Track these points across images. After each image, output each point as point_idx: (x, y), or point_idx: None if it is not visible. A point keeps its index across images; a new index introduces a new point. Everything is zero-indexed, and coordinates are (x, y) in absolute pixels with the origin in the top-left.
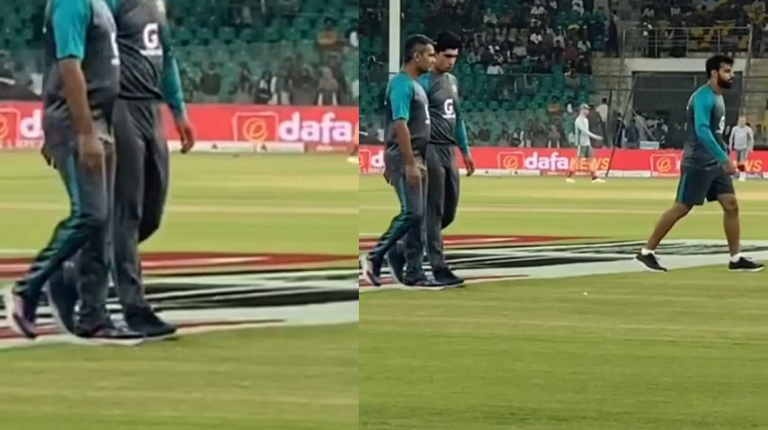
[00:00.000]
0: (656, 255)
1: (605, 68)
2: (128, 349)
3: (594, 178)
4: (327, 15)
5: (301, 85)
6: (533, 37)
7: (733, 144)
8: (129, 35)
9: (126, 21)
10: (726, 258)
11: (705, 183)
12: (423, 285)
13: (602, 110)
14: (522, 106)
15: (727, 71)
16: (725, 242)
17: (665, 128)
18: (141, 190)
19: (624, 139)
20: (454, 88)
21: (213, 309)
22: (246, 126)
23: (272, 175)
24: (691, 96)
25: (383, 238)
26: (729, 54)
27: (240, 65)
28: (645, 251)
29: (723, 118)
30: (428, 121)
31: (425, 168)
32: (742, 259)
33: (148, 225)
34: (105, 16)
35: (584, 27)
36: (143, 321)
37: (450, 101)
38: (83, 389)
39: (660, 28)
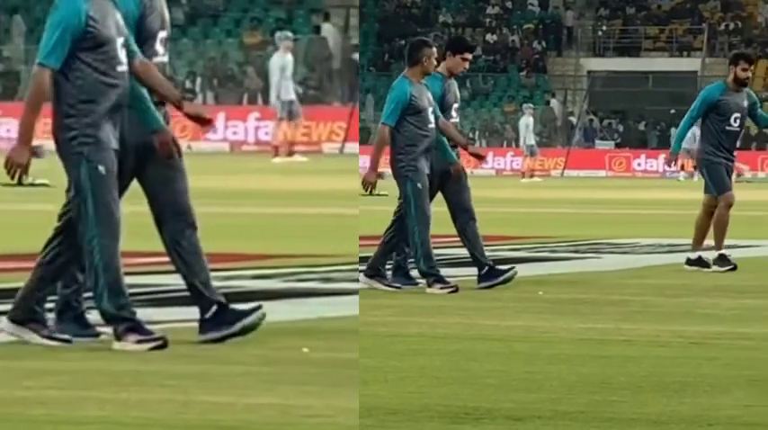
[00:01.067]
0: (727, 254)
1: (560, 68)
2: (54, 349)
3: (530, 177)
4: (253, 15)
5: (226, 84)
6: (488, 37)
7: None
8: (145, 41)
9: (145, 26)
10: (682, 257)
11: (722, 170)
12: (380, 283)
13: (555, 106)
14: (478, 106)
15: (744, 70)
16: (679, 241)
17: (621, 127)
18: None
19: (581, 139)
20: (458, 92)
21: (138, 309)
22: (171, 126)
23: (200, 175)
24: None
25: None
26: (684, 53)
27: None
28: (715, 253)
29: (738, 115)
30: (432, 125)
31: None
32: (700, 257)
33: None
34: (112, 22)
35: (540, 27)
36: (71, 320)
37: (457, 105)
38: (9, 389)
39: (615, 27)
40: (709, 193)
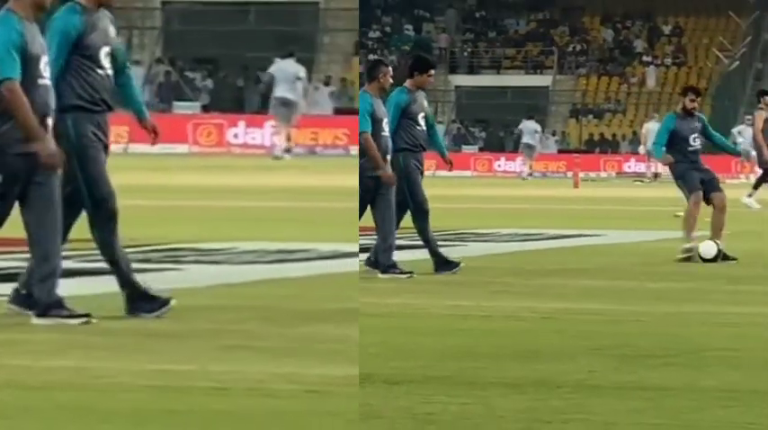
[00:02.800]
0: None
1: (432, 83)
2: None
3: None
4: None
5: None
6: (371, 57)
7: (518, 145)
8: (90, 56)
9: (87, 43)
10: (535, 244)
11: (694, 174)
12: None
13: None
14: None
15: (692, 101)
16: (532, 231)
17: (484, 134)
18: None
19: (450, 144)
20: (425, 103)
21: None
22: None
23: None
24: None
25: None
26: (538, 71)
27: None
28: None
29: (695, 135)
30: (386, 134)
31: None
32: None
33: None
34: (38, 43)
35: (415, 48)
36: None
37: (423, 114)
38: None
39: (479, 49)
40: (712, 193)
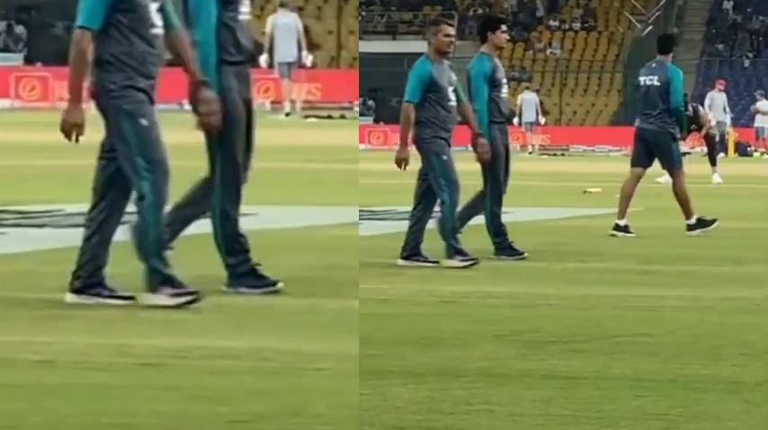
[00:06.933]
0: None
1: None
2: None
3: None
4: None
5: None
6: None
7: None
8: (232, 2)
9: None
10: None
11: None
12: (420, 262)
13: None
14: None
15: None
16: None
17: (373, 104)
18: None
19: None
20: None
21: None
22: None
23: None
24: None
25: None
26: None
27: None
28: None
29: None
30: (452, 103)
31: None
32: (700, 219)
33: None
34: None
35: None
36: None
37: (505, 80)
38: None
39: (374, 13)
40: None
